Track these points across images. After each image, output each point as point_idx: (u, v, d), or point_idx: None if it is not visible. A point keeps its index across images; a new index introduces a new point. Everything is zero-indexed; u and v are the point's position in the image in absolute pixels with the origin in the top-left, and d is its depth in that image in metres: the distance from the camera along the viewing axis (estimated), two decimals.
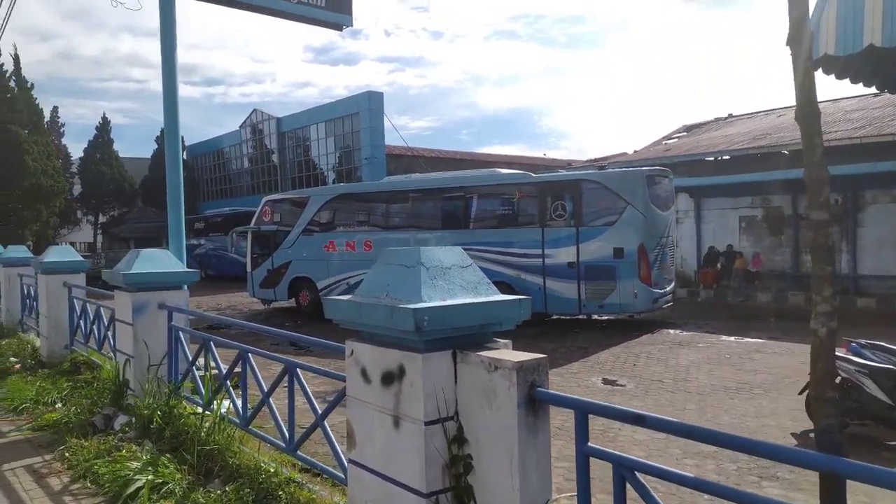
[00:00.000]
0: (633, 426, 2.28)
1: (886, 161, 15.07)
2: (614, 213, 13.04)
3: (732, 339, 12.25)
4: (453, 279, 2.67)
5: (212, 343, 4.93)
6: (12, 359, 8.89)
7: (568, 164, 28.77)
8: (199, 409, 5.01)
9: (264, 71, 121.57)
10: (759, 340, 11.96)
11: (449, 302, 2.53)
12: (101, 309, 7.47)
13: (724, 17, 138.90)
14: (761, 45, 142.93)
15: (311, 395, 3.75)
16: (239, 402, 4.60)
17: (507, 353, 2.47)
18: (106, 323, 7.20)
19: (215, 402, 4.81)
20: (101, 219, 45.71)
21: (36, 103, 35.38)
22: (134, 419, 5.27)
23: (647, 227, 12.97)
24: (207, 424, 4.72)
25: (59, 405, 6.38)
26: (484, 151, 54.08)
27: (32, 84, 35.36)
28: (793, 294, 17.02)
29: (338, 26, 11.53)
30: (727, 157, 19.84)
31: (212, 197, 46.90)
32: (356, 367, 2.86)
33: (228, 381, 4.66)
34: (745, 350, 11.12)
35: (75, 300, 8.39)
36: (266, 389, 4.13)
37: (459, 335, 2.58)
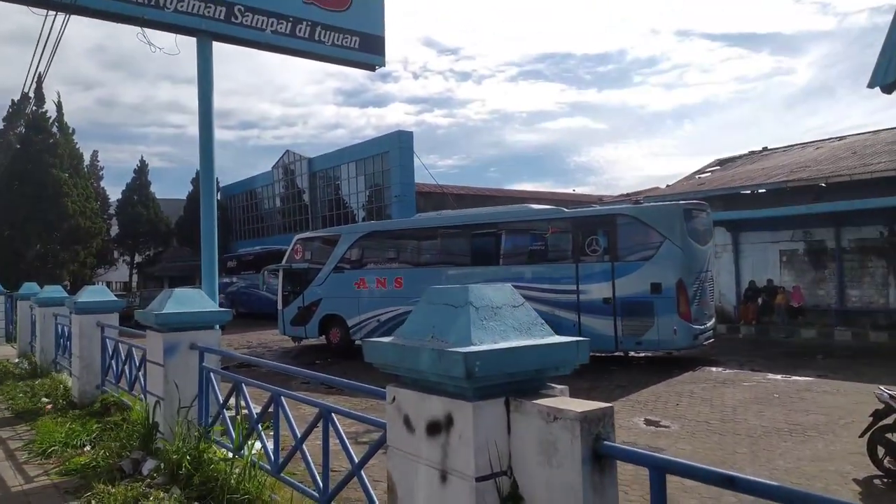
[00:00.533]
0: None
1: None
2: (651, 248, 12.72)
3: (779, 377, 11.72)
4: (505, 320, 2.46)
5: (243, 385, 4.76)
6: (44, 399, 8.85)
7: (599, 200, 28.50)
8: (229, 454, 4.82)
9: (296, 114, 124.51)
10: (808, 379, 11.41)
11: (501, 345, 2.32)
12: (133, 349, 7.39)
13: (754, 58, 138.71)
14: (790, 85, 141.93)
15: (346, 441, 3.53)
16: (270, 446, 4.40)
17: (567, 402, 2.24)
18: (137, 363, 7.10)
19: (246, 446, 4.62)
20: (137, 258, 46.54)
21: (77, 148, 36.45)
22: (162, 464, 5.09)
23: (686, 262, 12.61)
24: (238, 471, 4.53)
25: (88, 448, 6.25)
26: (512, 188, 54.10)
27: (74, 129, 36.52)
28: (839, 330, 16.34)
29: (371, 66, 11.66)
30: (763, 191, 19.40)
31: (244, 236, 47.54)
32: (398, 414, 2.65)
33: (260, 425, 4.47)
34: (794, 389, 10.59)
35: (107, 340, 8.33)
36: (299, 434, 3.92)
37: (513, 381, 2.36)
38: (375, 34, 11.27)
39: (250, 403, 4.69)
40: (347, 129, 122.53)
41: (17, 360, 12.86)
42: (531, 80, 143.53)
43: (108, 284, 39.68)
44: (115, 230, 44.51)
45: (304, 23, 10.46)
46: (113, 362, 8.09)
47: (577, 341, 2.46)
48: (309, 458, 3.80)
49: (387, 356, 2.61)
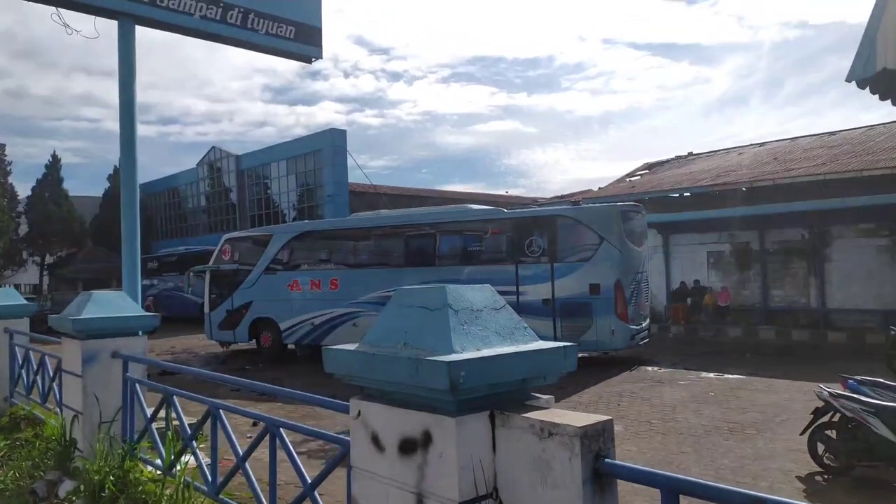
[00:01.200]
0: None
1: (851, 197, 15.31)
2: (590, 249, 12.81)
3: (712, 375, 12.01)
4: (487, 324, 2.21)
5: (175, 398, 4.33)
6: None
7: (535, 201, 28.76)
8: (159, 473, 4.38)
9: (221, 110, 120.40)
10: (740, 377, 11.74)
11: (485, 352, 2.07)
12: (47, 358, 6.74)
13: (675, 67, 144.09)
14: (707, 94, 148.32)
15: (298, 460, 3.20)
16: (206, 463, 4.00)
17: (559, 414, 2.01)
18: (51, 373, 6.47)
19: (178, 464, 4.20)
20: (48, 259, 43.76)
21: None
22: (82, 486, 4.58)
23: (623, 263, 12.76)
24: (169, 492, 4.11)
25: None
26: (445, 189, 54.11)
27: None
28: (763, 329, 17.00)
29: (307, 59, 11.20)
30: (689, 195, 20.01)
31: (166, 236, 45.49)
32: (364, 431, 2.35)
33: (195, 441, 4.06)
34: (728, 387, 10.85)
35: (17, 348, 7.60)
36: (241, 452, 3.56)
37: (496, 393, 2.12)
38: (312, 25, 10.82)
39: (184, 419, 4.26)
40: (276, 128, 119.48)
41: None
42: (463, 82, 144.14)
43: (17, 287, 37.08)
44: (23, 229, 41.72)
45: (236, 9, 9.91)
46: (23, 372, 7.38)
47: (565, 347, 2.24)
48: (253, 477, 3.44)
49: (352, 366, 2.32)
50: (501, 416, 2.08)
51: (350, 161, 32.69)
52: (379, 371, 2.20)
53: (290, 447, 3.27)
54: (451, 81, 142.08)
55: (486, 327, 2.20)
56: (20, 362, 7.47)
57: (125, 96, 9.07)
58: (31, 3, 8.76)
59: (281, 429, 3.32)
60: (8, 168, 43.78)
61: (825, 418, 6.41)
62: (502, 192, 49.99)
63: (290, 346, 16.11)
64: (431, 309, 2.21)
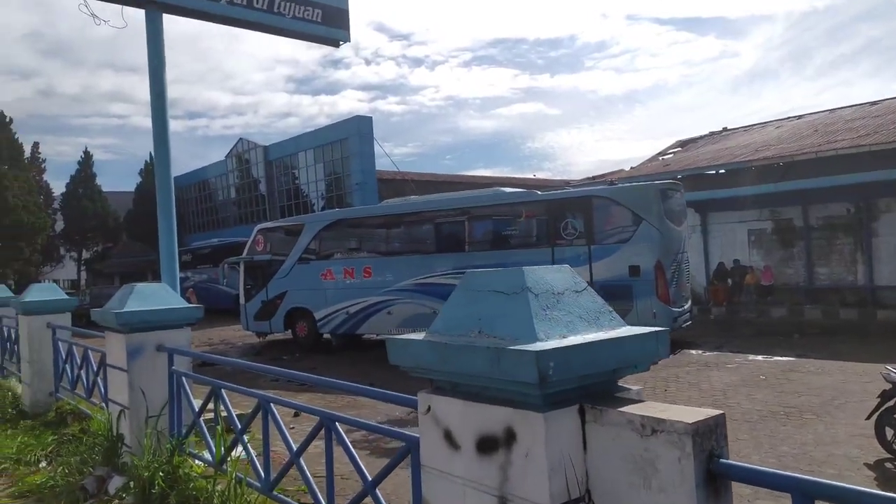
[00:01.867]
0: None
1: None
2: (628, 230, 12.47)
3: (760, 357, 11.65)
4: (570, 308, 2.01)
5: (223, 391, 4.21)
6: None
7: (566, 184, 28.30)
8: (209, 469, 4.29)
9: (246, 102, 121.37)
10: (790, 359, 11.36)
11: (572, 340, 1.87)
12: (90, 352, 6.71)
13: (700, 42, 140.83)
14: (735, 68, 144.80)
15: (357, 456, 3.04)
16: (259, 460, 3.88)
17: (661, 409, 1.80)
18: (95, 367, 6.44)
19: (229, 459, 4.08)
20: (85, 255, 44.61)
21: (16, 139, 34.57)
22: (132, 482, 4.51)
23: (664, 244, 12.39)
24: (220, 487, 4.00)
25: (44, 464, 5.61)
26: (471, 174, 53.71)
27: (11, 119, 34.60)
28: (809, 308, 16.48)
29: (334, 42, 11.00)
30: (728, 171, 19.43)
31: (198, 229, 45.97)
32: (436, 428, 2.17)
33: (245, 437, 3.94)
34: (779, 370, 10.50)
35: (60, 342, 7.61)
36: (294, 447, 3.42)
37: (585, 385, 1.92)
38: (339, 6, 10.60)
39: (232, 410, 4.14)
40: (299, 118, 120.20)
41: None
42: (484, 65, 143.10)
43: (56, 282, 37.91)
44: (59, 225, 42.54)
45: None
46: (67, 367, 7.38)
47: (657, 332, 2.03)
48: (309, 474, 3.30)
49: (421, 357, 2.14)
50: (593, 410, 1.88)
51: (377, 149, 32.55)
52: (453, 362, 2.01)
53: (348, 442, 3.11)
54: (472, 65, 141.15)
55: (570, 312, 1.99)
56: (64, 357, 7.48)
57: (155, 87, 9.00)
58: None
59: (336, 423, 3.16)
60: (42, 166, 44.65)
61: (893, 402, 6.08)
62: (530, 176, 49.56)
63: (326, 336, 16.09)
64: (508, 293, 2.01)
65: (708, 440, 1.68)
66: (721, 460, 1.67)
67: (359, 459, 3.04)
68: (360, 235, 16.25)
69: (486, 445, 1.98)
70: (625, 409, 1.81)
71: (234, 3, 9.49)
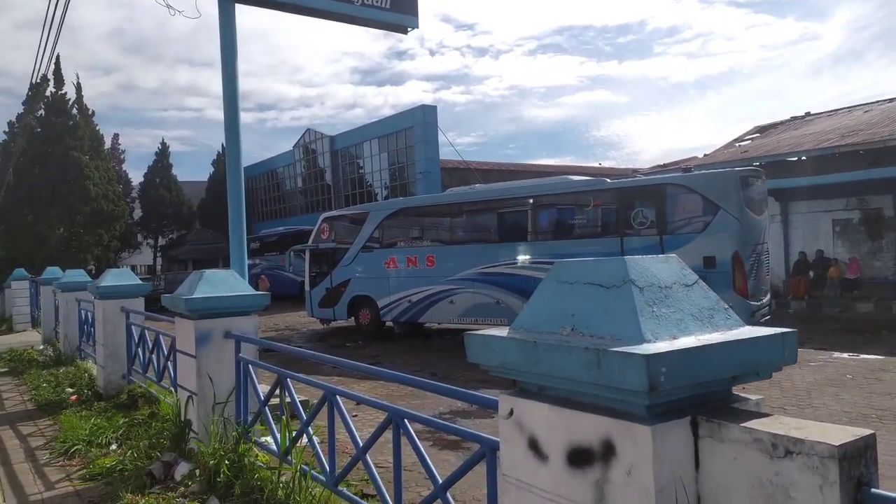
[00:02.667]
0: None
1: None
2: (704, 219, 11.85)
3: (846, 355, 10.90)
4: (679, 304, 1.74)
5: (289, 381, 4.11)
6: (69, 389, 8.35)
7: (634, 171, 27.45)
8: (273, 459, 4.20)
9: (314, 94, 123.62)
10: (879, 357, 10.59)
11: (684, 342, 1.60)
12: (161, 336, 6.80)
13: (779, 24, 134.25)
14: (816, 51, 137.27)
15: (427, 457, 2.85)
16: (323, 452, 3.76)
17: (793, 425, 1.52)
18: (166, 352, 6.51)
19: (294, 450, 3.98)
20: (161, 241, 46.45)
21: (97, 130, 36.15)
22: (198, 470, 4.48)
23: (743, 234, 11.71)
24: (285, 479, 3.90)
25: (114, 447, 5.69)
26: (535, 163, 52.96)
27: (94, 111, 36.16)
28: None
29: (402, 29, 10.83)
30: (812, 158, 18.31)
31: (266, 217, 47.15)
32: (519, 434, 1.95)
33: (311, 428, 3.82)
34: (867, 369, 9.78)
35: (133, 327, 7.77)
36: (360, 443, 3.26)
37: (698, 394, 1.65)
38: None
39: (297, 401, 4.03)
40: (365, 109, 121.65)
41: (41, 347, 12.46)
42: (550, 53, 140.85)
43: (133, 268, 39.69)
44: (137, 213, 44.41)
45: None
46: (139, 350, 7.53)
47: (783, 334, 1.74)
48: (376, 472, 3.14)
49: (506, 356, 1.91)
50: (708, 424, 1.61)
51: (440, 138, 32.44)
52: (543, 363, 1.78)
53: (417, 442, 2.93)
54: (537, 53, 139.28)
55: (680, 309, 1.72)
56: (136, 341, 7.64)
57: (228, 74, 9.05)
58: None
59: (405, 420, 2.98)
60: (122, 156, 46.73)
61: None
62: (595, 164, 48.44)
63: (389, 324, 16.09)
64: (607, 286, 1.76)
65: (856, 466, 1.39)
66: (872, 490, 1.39)
67: (427, 458, 2.84)
68: (424, 224, 16.12)
69: (579, 458, 1.74)
70: (749, 423, 1.54)
71: None
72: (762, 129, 25.14)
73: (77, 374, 9.04)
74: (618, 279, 1.74)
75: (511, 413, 1.99)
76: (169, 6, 9.25)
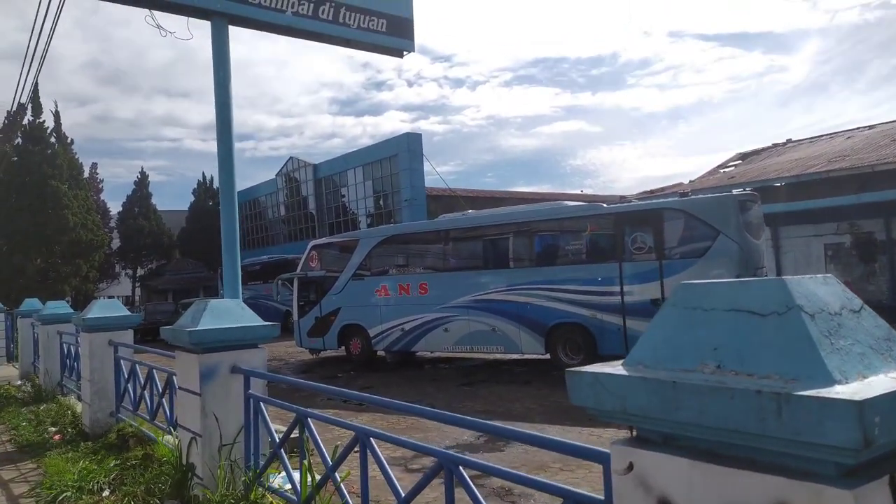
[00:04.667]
0: None
1: None
2: (704, 244, 11.71)
3: None
4: (855, 335, 1.45)
5: (309, 420, 3.73)
6: (51, 428, 7.85)
7: (621, 198, 27.47)
8: None
9: (292, 124, 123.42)
10: None
11: (881, 383, 1.31)
12: (154, 371, 6.36)
13: (747, 57, 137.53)
14: (783, 83, 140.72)
15: None
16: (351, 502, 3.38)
17: None
18: (160, 388, 6.08)
19: (316, 499, 3.60)
20: (140, 272, 45.47)
21: (76, 158, 35.49)
22: None
23: (743, 258, 11.56)
24: None
25: (107, 493, 5.21)
26: (519, 190, 53.09)
27: (72, 140, 35.56)
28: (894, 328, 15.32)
29: (398, 52, 10.65)
30: (800, 183, 18.41)
31: (249, 246, 46.40)
32: (644, 496, 1.62)
33: (337, 473, 3.44)
34: None
35: (122, 361, 7.31)
36: (402, 494, 2.90)
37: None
38: (404, 16, 10.28)
39: (320, 443, 3.65)
40: (344, 139, 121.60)
41: (19, 383, 11.85)
42: (525, 84, 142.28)
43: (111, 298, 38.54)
44: (115, 243, 43.49)
45: (328, 3, 9.46)
46: (129, 386, 7.06)
47: None
48: None
49: (630, 399, 1.59)
50: None
51: (426, 165, 32.33)
52: (687, 409, 1.46)
53: (474, 489, 2.58)
54: (513, 84, 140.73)
55: (857, 340, 1.43)
56: (126, 376, 7.17)
57: (221, 98, 8.76)
58: (118, 19, 8.58)
59: (461, 467, 2.63)
60: (100, 185, 45.89)
61: None
62: (577, 191, 48.60)
63: (381, 353, 15.65)
64: (763, 313, 1.46)
65: None
66: None
67: None
68: (417, 251, 15.82)
69: None
70: None
71: (300, 14, 9.23)
72: (744, 156, 25.38)
73: (59, 412, 8.51)
74: (778, 305, 1.44)
75: (630, 467, 1.66)
76: (159, 26, 8.96)
